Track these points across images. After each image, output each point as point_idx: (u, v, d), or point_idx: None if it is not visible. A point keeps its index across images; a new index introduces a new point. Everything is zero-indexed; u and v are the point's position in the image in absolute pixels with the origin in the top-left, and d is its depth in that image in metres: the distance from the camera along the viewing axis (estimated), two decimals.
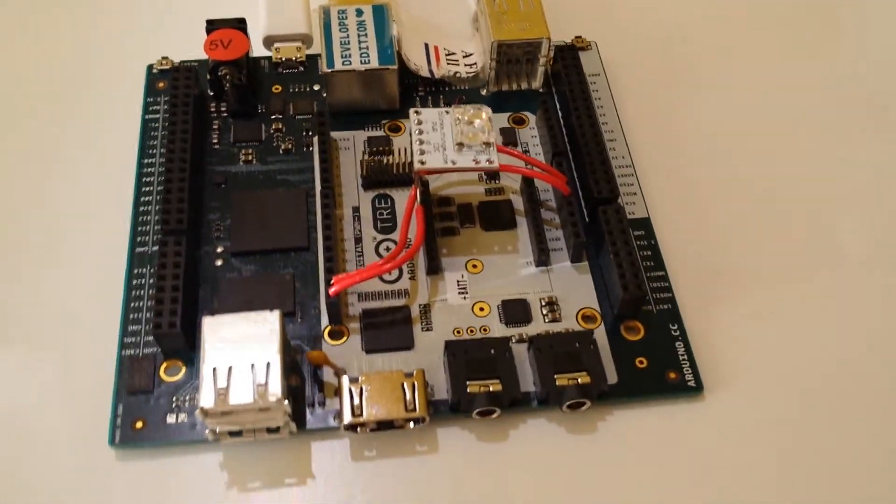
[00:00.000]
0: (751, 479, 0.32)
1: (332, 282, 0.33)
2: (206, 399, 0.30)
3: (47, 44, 0.45)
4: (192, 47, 0.41)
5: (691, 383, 0.33)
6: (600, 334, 0.34)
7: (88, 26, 0.46)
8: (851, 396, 0.34)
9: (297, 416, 0.32)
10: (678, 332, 0.35)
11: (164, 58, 0.42)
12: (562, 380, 0.32)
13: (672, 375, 0.34)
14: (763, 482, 0.32)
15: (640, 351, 0.34)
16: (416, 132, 0.34)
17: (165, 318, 0.33)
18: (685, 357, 0.34)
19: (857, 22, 0.48)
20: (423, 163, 0.34)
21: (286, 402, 0.30)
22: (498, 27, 0.39)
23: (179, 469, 0.32)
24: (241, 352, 0.31)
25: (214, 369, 0.30)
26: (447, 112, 0.35)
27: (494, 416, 0.32)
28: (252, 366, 0.30)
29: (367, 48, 0.39)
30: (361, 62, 0.39)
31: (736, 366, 0.35)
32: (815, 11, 0.48)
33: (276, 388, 0.30)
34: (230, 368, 0.30)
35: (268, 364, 0.30)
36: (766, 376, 0.35)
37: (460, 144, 0.34)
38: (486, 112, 0.34)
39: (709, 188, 0.40)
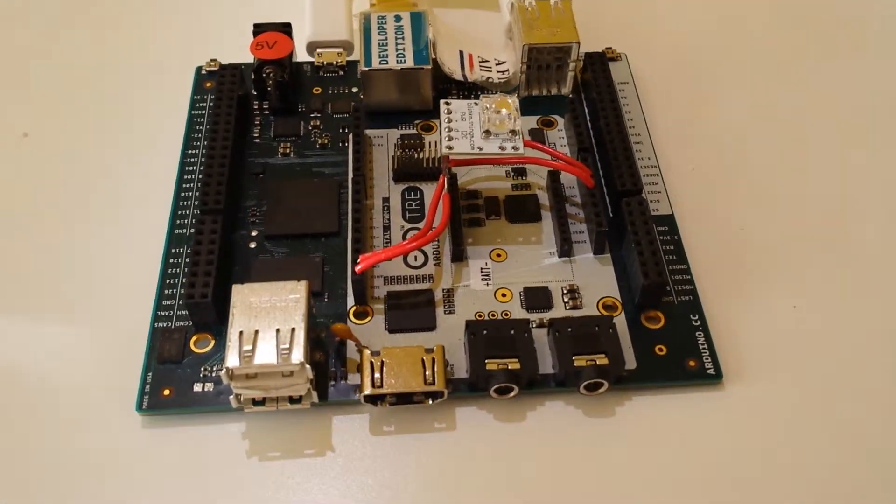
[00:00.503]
0: (768, 469, 0.32)
1: (358, 259, 0.34)
2: (232, 360, 0.31)
3: (110, 47, 0.48)
4: (239, 53, 0.44)
5: (711, 371, 0.34)
6: (621, 323, 0.35)
7: (145, 29, 0.49)
8: (871, 390, 0.34)
9: (320, 390, 0.33)
10: (699, 323, 0.35)
11: (212, 60, 0.45)
12: (580, 360, 0.32)
13: (691, 363, 0.34)
14: (780, 472, 0.32)
15: (659, 339, 0.34)
16: (446, 121, 0.36)
17: (198, 289, 0.34)
18: (705, 346, 0.34)
19: (880, 28, 0.50)
20: (450, 147, 0.35)
21: (308, 366, 0.31)
22: (529, 32, 0.41)
23: (203, 436, 0.33)
24: (267, 318, 0.32)
25: (241, 333, 0.31)
26: (475, 103, 0.36)
27: (512, 394, 0.33)
28: (277, 331, 0.31)
29: (404, 49, 0.41)
30: (398, 62, 0.40)
31: (756, 357, 0.35)
32: (839, 20, 0.50)
33: (299, 352, 0.31)
34: (256, 332, 0.31)
35: (292, 330, 0.31)
36: (787, 368, 0.34)
37: (487, 132, 0.35)
38: (512, 101, 0.35)
39: (732, 188, 0.41)
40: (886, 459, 0.32)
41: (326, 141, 0.41)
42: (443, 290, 0.36)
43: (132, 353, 0.34)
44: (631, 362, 0.34)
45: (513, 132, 0.35)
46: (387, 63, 0.40)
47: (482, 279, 0.36)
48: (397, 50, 0.41)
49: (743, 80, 0.46)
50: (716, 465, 0.32)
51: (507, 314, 0.35)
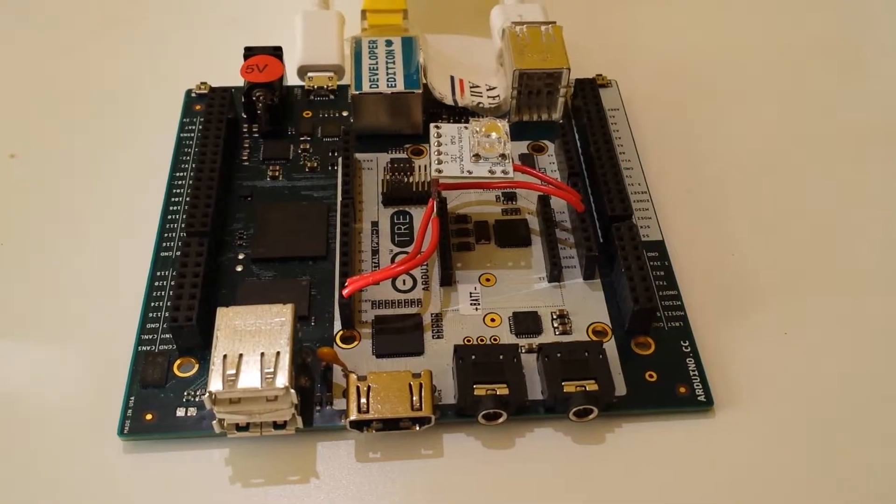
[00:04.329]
0: (759, 497, 0.31)
1: (345, 283, 0.34)
2: (215, 384, 0.30)
3: (99, 68, 0.48)
4: (229, 76, 0.44)
5: (701, 398, 0.33)
6: (611, 349, 0.34)
7: (135, 51, 0.49)
8: (863, 417, 0.34)
9: (305, 416, 0.32)
10: (689, 349, 0.34)
11: (202, 83, 0.44)
12: (569, 387, 0.32)
13: (682, 390, 0.33)
14: (771, 500, 0.31)
15: (650, 365, 0.34)
16: (435, 144, 0.35)
17: (183, 312, 0.33)
18: (696, 372, 0.34)
19: (872, 52, 0.50)
20: (440, 171, 0.35)
21: (293, 391, 0.30)
22: (520, 57, 0.41)
23: (185, 462, 0.32)
24: (252, 341, 0.31)
25: (225, 356, 0.31)
26: (465, 127, 0.36)
27: (500, 420, 0.32)
28: (262, 355, 0.31)
29: (395, 74, 0.41)
30: (388, 86, 0.40)
31: (747, 384, 0.34)
32: (831, 44, 0.50)
33: (283, 376, 0.30)
34: (240, 356, 0.31)
35: (277, 354, 0.31)
36: (778, 395, 0.34)
37: (477, 156, 0.35)
38: (502, 125, 0.35)
39: (722, 214, 0.41)
40: (880, 487, 0.32)
41: (316, 164, 0.41)
42: (431, 314, 0.36)
43: (114, 377, 0.34)
44: (621, 388, 0.33)
45: (503, 156, 0.35)
46: (377, 87, 0.40)
47: (471, 304, 0.36)
48: (388, 74, 0.41)
49: (732, 107, 0.46)
50: (706, 493, 0.31)
51: (495, 339, 0.35)
